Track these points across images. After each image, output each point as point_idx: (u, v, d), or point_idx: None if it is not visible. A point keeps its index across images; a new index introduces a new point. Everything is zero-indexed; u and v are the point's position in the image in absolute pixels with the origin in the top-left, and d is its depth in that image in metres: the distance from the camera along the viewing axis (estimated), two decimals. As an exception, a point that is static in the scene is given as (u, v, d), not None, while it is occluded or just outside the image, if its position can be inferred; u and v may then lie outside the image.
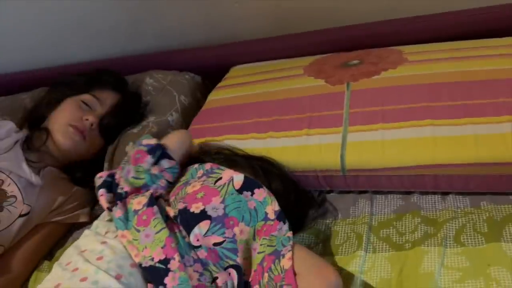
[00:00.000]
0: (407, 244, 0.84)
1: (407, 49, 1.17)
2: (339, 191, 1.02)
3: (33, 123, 1.15)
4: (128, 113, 1.17)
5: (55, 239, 1.08)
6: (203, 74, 1.47)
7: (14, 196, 1.01)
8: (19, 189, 1.02)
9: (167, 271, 0.75)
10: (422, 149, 0.90)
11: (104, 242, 0.80)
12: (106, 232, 0.84)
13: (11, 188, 1.01)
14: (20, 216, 1.01)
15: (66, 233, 1.11)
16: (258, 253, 0.78)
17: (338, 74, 1.12)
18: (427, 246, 0.82)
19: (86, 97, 1.13)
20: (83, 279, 0.73)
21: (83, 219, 1.11)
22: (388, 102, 0.99)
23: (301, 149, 0.98)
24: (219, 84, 1.29)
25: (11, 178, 1.01)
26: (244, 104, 1.14)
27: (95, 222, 0.89)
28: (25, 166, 1.04)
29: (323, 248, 0.90)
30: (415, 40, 1.22)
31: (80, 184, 1.14)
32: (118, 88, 1.19)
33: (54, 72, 1.56)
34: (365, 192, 1.00)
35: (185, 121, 1.26)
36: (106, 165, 1.12)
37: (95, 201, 1.17)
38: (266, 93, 1.15)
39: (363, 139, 0.94)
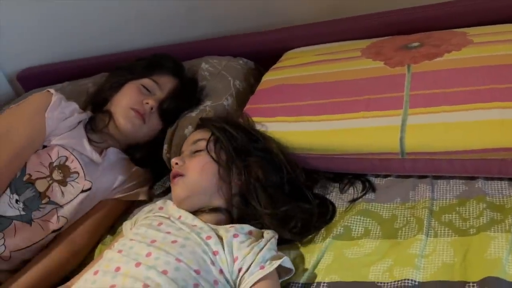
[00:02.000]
0: (471, 230, 0.81)
1: (472, 31, 1.12)
2: (397, 175, 1.00)
3: (96, 106, 1.21)
4: (186, 97, 1.20)
5: (116, 215, 1.14)
6: (256, 59, 1.47)
7: (77, 172, 1.07)
8: (81, 166, 1.08)
9: None
10: (489, 132, 0.86)
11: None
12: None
13: (74, 164, 1.07)
14: (82, 191, 1.07)
15: (127, 210, 1.16)
16: None
17: (398, 56, 1.09)
18: (494, 232, 0.79)
19: (146, 81, 1.17)
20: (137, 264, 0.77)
21: (142, 197, 1.15)
22: (451, 84, 0.95)
23: (357, 131, 0.96)
24: (275, 66, 1.29)
25: (74, 155, 1.07)
26: (299, 85, 1.13)
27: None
28: (86, 144, 1.10)
29: (381, 230, 0.88)
30: (477, 23, 1.17)
31: (139, 164, 1.18)
32: (176, 73, 1.22)
33: (113, 59, 1.61)
34: (425, 177, 0.97)
35: (240, 106, 1.27)
36: (165, 146, 1.15)
37: (153, 181, 1.22)
38: (322, 74, 1.13)
39: (425, 121, 0.91)
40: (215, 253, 0.81)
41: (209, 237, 0.84)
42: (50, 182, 1.05)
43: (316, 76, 1.14)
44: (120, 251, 0.83)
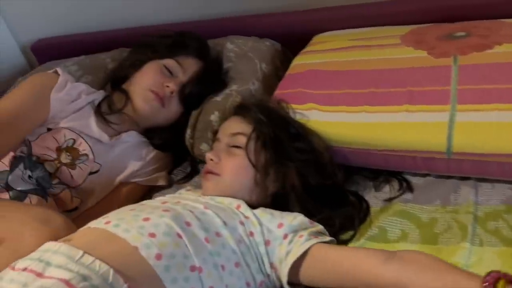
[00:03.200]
0: (521, 240, 0.75)
1: (523, 21, 1.04)
2: (436, 175, 0.93)
3: (115, 83, 1.14)
4: (210, 81, 1.13)
5: (133, 200, 1.08)
6: (282, 41, 1.40)
7: (86, 155, 1.02)
8: (90, 148, 1.03)
9: None
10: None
11: None
12: None
13: (83, 146, 1.02)
14: (91, 173, 1.03)
15: (144, 195, 1.10)
16: None
17: (442, 46, 1.01)
18: (547, 244, 0.73)
19: (169, 62, 1.10)
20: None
21: (161, 182, 1.10)
22: (505, 80, 0.87)
23: (400, 126, 0.89)
24: (305, 49, 1.22)
25: (82, 137, 1.02)
26: (333, 72, 1.05)
27: None
28: (94, 125, 1.04)
29: (420, 234, 0.82)
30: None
31: (160, 148, 1.13)
32: (202, 55, 1.15)
33: (132, 33, 1.54)
34: (467, 178, 0.90)
35: (266, 91, 1.20)
36: (188, 131, 1.09)
37: (173, 165, 1.16)
38: (359, 61, 1.05)
39: (475, 119, 0.84)
40: (246, 217, 0.79)
41: (239, 206, 0.81)
42: (58, 165, 1.01)
43: (352, 63, 1.07)
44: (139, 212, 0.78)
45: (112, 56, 1.40)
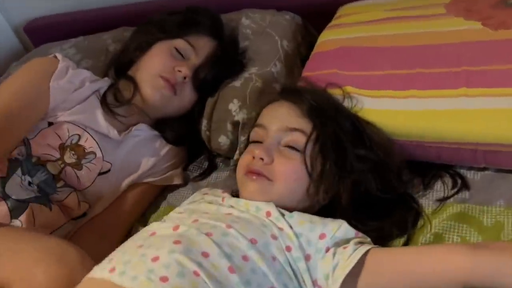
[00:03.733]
0: None
1: None
2: (496, 169, 0.80)
3: (120, 69, 1.00)
4: (226, 64, 0.99)
5: (147, 202, 0.97)
6: (301, 14, 1.25)
7: (93, 153, 0.90)
8: (97, 145, 0.90)
9: None
10: None
11: None
12: None
13: (89, 143, 0.90)
14: (100, 174, 0.91)
15: (159, 195, 0.99)
16: None
17: (499, 15, 0.86)
18: None
19: (179, 43, 0.95)
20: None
21: (177, 181, 0.98)
22: None
23: (457, 114, 0.76)
24: (332, 23, 1.07)
25: (87, 132, 0.90)
26: (370, 49, 0.91)
27: None
28: (101, 119, 0.91)
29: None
30: None
31: (172, 142, 1.00)
32: (216, 33, 1.00)
33: (134, 9, 1.41)
34: (534, 173, 0.78)
35: (288, 72, 1.06)
36: (204, 122, 0.96)
37: (188, 161, 1.04)
38: (400, 36, 0.91)
39: (552, 105, 0.70)
40: (280, 229, 0.66)
41: (268, 213, 0.68)
42: (62, 166, 0.88)
43: (390, 37, 0.92)
44: (176, 228, 0.66)
45: (113, 37, 1.27)
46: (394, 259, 0.63)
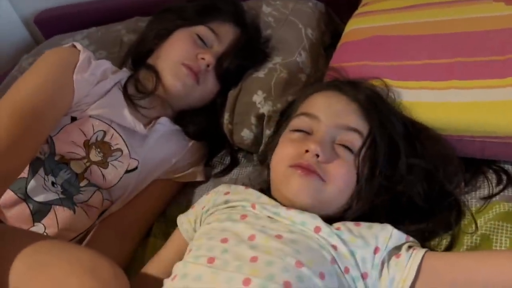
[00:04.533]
0: None
1: None
2: (543, 165, 0.75)
3: (138, 60, 0.95)
4: (250, 52, 0.93)
5: (169, 199, 0.93)
6: (323, 1, 1.19)
7: (120, 150, 0.84)
8: (124, 141, 0.85)
9: None
10: None
11: None
12: None
13: (115, 140, 0.84)
14: (127, 171, 0.85)
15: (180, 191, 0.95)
16: None
17: (544, -1, 0.80)
18: None
19: (201, 29, 0.90)
20: None
21: (199, 177, 0.93)
22: None
23: (504, 105, 0.70)
24: (360, 10, 1.01)
25: (113, 128, 0.84)
26: (404, 37, 0.85)
27: None
28: (127, 112, 0.86)
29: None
30: None
31: (194, 137, 0.95)
32: (239, 20, 0.95)
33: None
34: None
35: (313, 62, 1.01)
36: (226, 115, 0.91)
37: (209, 156, 0.99)
38: (435, 23, 0.85)
39: None
40: (334, 247, 0.60)
41: (318, 228, 0.61)
42: (88, 164, 0.82)
43: (425, 25, 0.86)
44: (211, 261, 0.59)
45: (127, 27, 1.22)
46: (451, 266, 0.58)
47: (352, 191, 0.66)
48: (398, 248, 0.60)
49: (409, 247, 0.60)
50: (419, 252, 0.58)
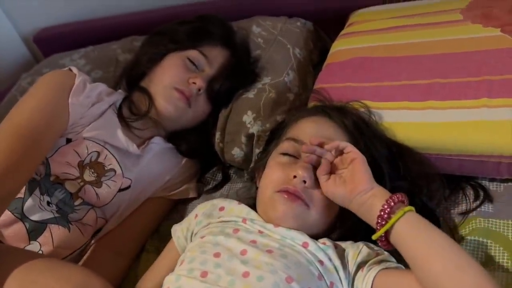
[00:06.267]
0: None
1: None
2: (520, 181, 0.78)
3: (132, 82, 0.98)
4: (240, 74, 0.97)
5: (162, 216, 0.96)
6: (312, 19, 1.23)
7: (113, 170, 0.88)
8: (117, 162, 0.88)
9: None
10: None
11: None
12: None
13: (108, 160, 0.88)
14: (120, 190, 0.89)
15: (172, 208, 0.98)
16: None
17: (518, 21, 0.84)
18: None
19: (192, 54, 0.94)
20: None
21: (192, 194, 0.97)
22: None
23: (478, 125, 0.73)
24: (344, 31, 1.05)
25: (107, 149, 0.88)
26: (385, 59, 0.89)
27: None
28: (120, 134, 0.89)
29: (511, 259, 0.68)
30: None
31: (187, 155, 0.98)
32: (228, 42, 0.99)
33: (143, 18, 1.40)
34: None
35: (301, 81, 1.05)
36: (217, 134, 0.95)
37: (200, 173, 1.03)
38: (416, 44, 0.89)
39: None
40: (321, 263, 0.63)
41: (306, 244, 0.65)
42: (82, 184, 0.86)
43: (406, 46, 0.90)
44: (204, 275, 0.61)
45: (122, 46, 1.26)
46: (399, 284, 0.60)
47: (336, 213, 0.70)
48: (365, 263, 0.63)
49: (375, 262, 0.63)
50: (373, 271, 0.61)
